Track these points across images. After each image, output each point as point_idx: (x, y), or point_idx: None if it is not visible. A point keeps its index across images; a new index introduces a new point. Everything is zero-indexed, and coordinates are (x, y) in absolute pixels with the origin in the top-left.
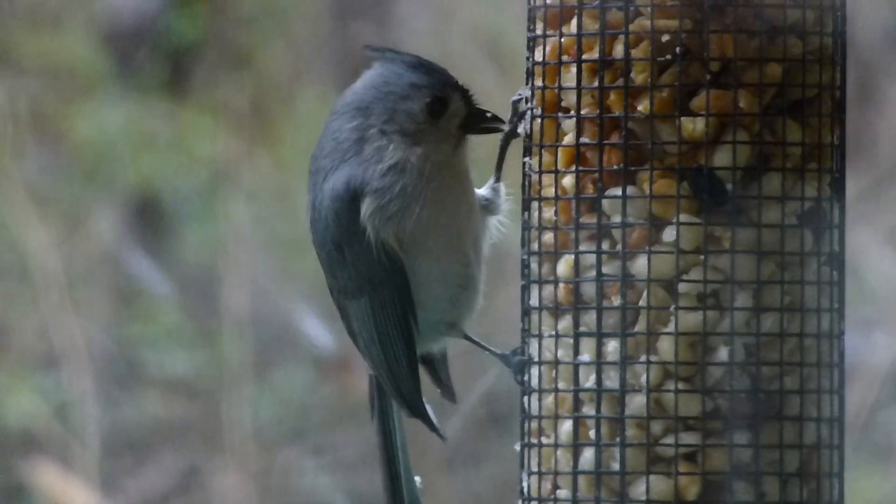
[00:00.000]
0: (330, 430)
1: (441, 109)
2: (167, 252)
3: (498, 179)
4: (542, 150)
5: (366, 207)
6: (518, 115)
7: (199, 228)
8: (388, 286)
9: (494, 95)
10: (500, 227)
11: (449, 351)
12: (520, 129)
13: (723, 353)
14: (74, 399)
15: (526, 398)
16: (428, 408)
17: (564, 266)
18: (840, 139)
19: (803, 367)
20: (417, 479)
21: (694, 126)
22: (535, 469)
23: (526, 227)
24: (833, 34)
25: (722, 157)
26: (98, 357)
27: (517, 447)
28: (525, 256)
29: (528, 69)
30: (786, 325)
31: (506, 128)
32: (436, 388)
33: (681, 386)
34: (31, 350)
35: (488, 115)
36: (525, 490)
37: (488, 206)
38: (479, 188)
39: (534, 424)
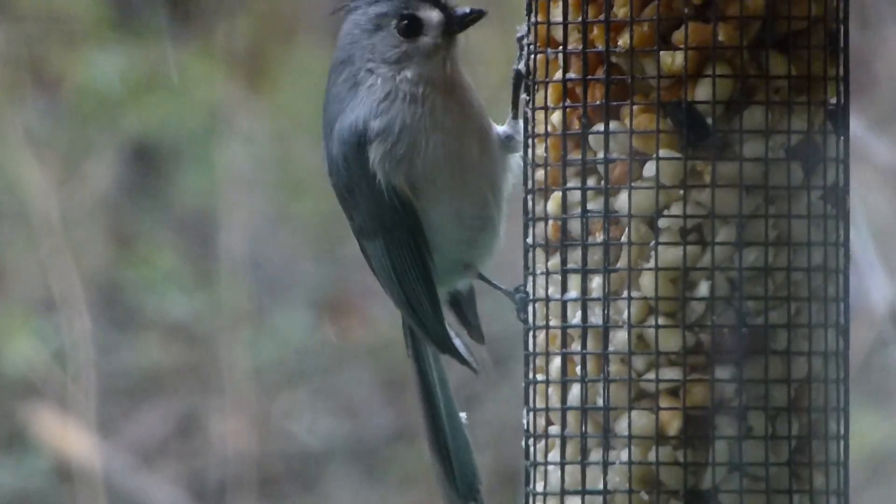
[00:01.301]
0: (329, 373)
1: (415, 26)
2: (165, 196)
3: (515, 117)
4: (536, 86)
5: (374, 153)
6: (523, 50)
7: (197, 172)
8: (401, 229)
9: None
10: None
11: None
12: (520, 66)
13: (704, 288)
14: (72, 343)
15: (527, 336)
16: (457, 342)
17: (553, 203)
18: (842, 71)
19: (792, 302)
20: (463, 415)
21: (673, 60)
22: (533, 406)
23: (525, 164)
24: None
25: (702, 92)
26: (96, 301)
27: (522, 384)
28: (525, 195)
29: (527, 3)
30: (772, 259)
31: (479, 11)
32: (463, 328)
33: (662, 321)
34: (29, 294)
35: (467, 10)
36: (525, 426)
37: (508, 144)
38: (499, 125)
39: (532, 362)
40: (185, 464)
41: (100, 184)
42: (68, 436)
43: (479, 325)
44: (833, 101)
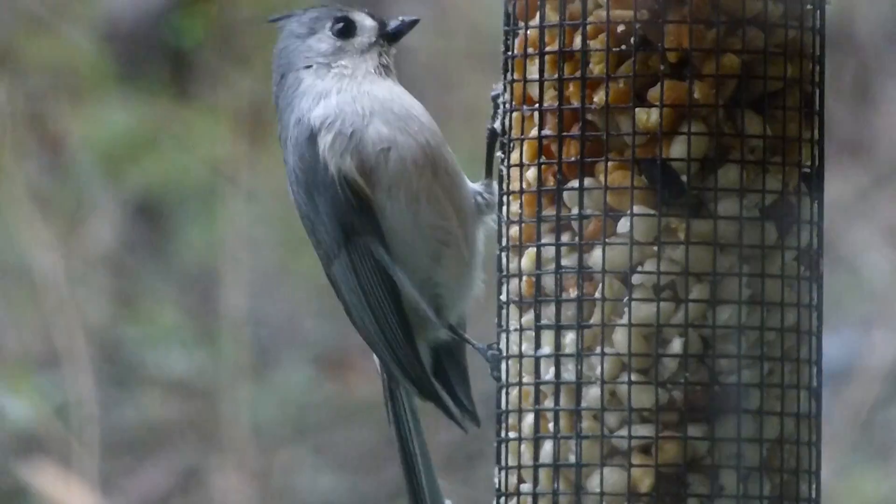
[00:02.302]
0: (330, 430)
1: (350, 28)
2: (167, 252)
3: (489, 175)
4: (511, 144)
5: (323, 140)
6: (499, 108)
7: (199, 229)
8: (361, 233)
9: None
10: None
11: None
12: (496, 125)
13: (676, 345)
14: (74, 399)
15: (500, 393)
16: (443, 393)
17: (527, 259)
18: (814, 134)
19: (765, 361)
20: (448, 502)
21: (648, 117)
22: (504, 464)
23: (499, 221)
24: (804, 29)
25: (677, 149)
26: (98, 357)
27: (494, 443)
28: (498, 252)
29: (504, 63)
30: (745, 318)
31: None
32: (456, 408)
33: (635, 378)
34: (32, 350)
35: (399, 20)
36: (496, 485)
37: (481, 204)
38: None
39: (506, 420)
40: None
41: (102, 240)
42: (70, 492)
43: (474, 405)
44: (808, 163)
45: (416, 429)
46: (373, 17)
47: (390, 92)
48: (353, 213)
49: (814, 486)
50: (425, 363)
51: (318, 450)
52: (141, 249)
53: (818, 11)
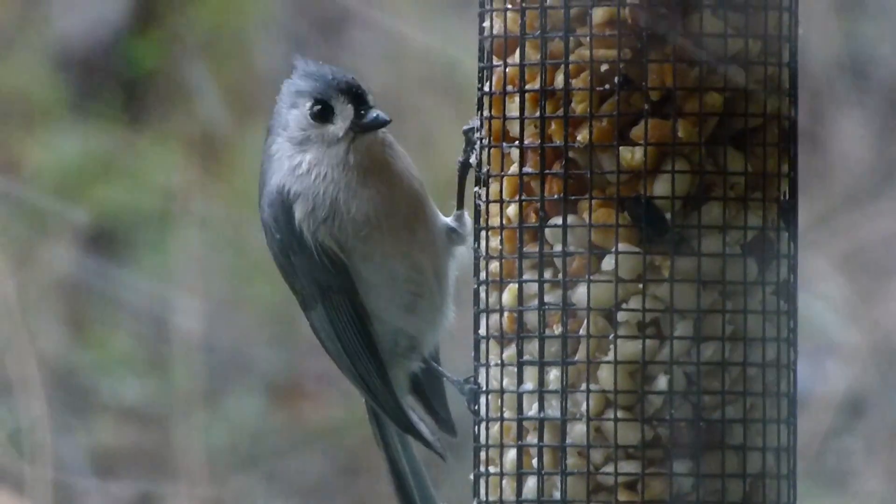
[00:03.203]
0: (282, 457)
1: (326, 113)
2: (120, 279)
3: (460, 207)
4: (490, 180)
5: (298, 212)
6: (470, 145)
7: (152, 256)
8: (336, 291)
9: (446, 121)
10: (467, 256)
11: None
12: (471, 160)
13: (662, 382)
14: (27, 426)
15: (477, 427)
16: (421, 425)
17: (508, 295)
18: (791, 169)
19: (747, 397)
20: None
21: (632, 155)
22: (484, 498)
23: (477, 255)
24: (782, 64)
25: (661, 187)
26: (50, 383)
27: (471, 476)
28: (475, 286)
29: (479, 99)
30: (728, 354)
31: (385, 119)
32: (431, 419)
33: (621, 414)
34: None
35: (374, 114)
36: None
37: (454, 236)
38: (446, 216)
39: (484, 453)
40: None
41: (55, 267)
42: None
43: (450, 416)
44: (784, 198)
45: (403, 447)
46: (355, 101)
47: (364, 184)
48: (328, 273)
49: None
50: (402, 391)
51: (270, 477)
52: (93, 276)
53: (789, 46)
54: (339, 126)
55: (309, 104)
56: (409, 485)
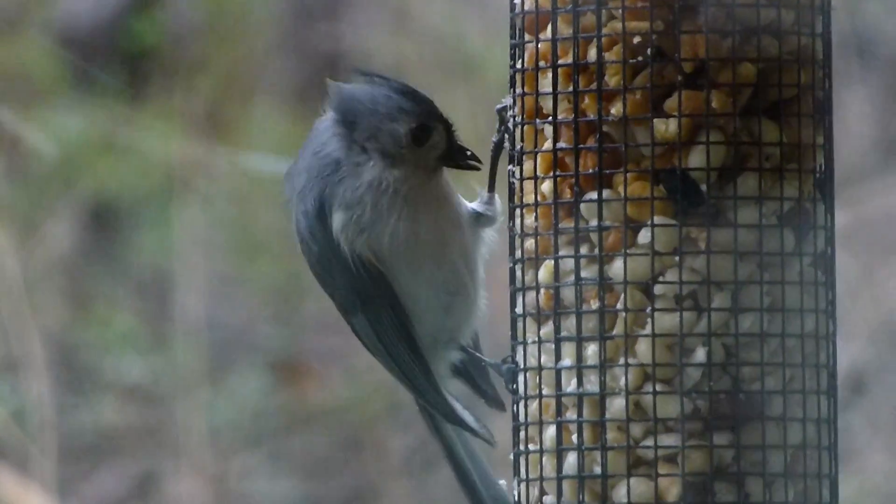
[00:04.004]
0: (286, 435)
1: (424, 138)
2: (122, 257)
3: (491, 189)
4: (524, 157)
5: (337, 221)
6: (503, 125)
7: (154, 233)
8: (376, 298)
9: (451, 101)
10: (496, 238)
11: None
12: (500, 138)
13: (700, 355)
14: (31, 404)
15: (516, 405)
16: (466, 414)
17: (544, 271)
18: (826, 140)
19: (786, 368)
20: (502, 482)
21: (667, 127)
22: (524, 476)
23: (511, 234)
24: (815, 35)
25: (696, 158)
26: (53, 362)
27: (511, 455)
28: (511, 264)
29: (511, 76)
30: (766, 325)
31: (474, 163)
32: (479, 398)
33: (659, 388)
34: None
35: (468, 153)
36: (516, 497)
37: (482, 219)
38: (472, 202)
39: (523, 432)
40: None
41: (57, 245)
42: (26, 496)
43: (496, 392)
44: (820, 169)
45: (458, 434)
46: (449, 131)
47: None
48: (367, 283)
49: (827, 491)
50: (445, 381)
51: (273, 455)
52: (96, 254)
53: (822, 17)
54: (431, 154)
55: (413, 125)
56: (468, 468)
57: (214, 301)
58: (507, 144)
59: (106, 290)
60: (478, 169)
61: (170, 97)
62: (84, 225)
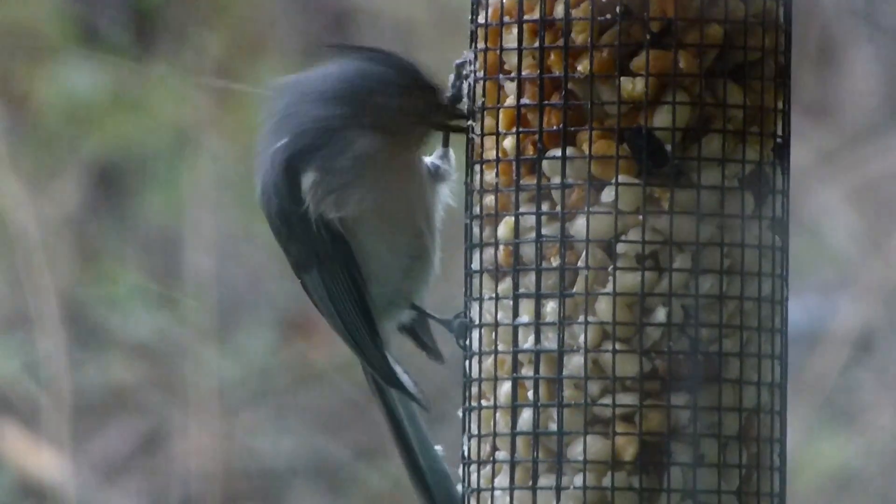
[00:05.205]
0: (292, 392)
1: (412, 106)
2: (130, 214)
3: (446, 145)
4: (485, 113)
5: (306, 181)
6: (461, 78)
7: (163, 190)
8: (334, 259)
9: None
10: (451, 194)
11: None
12: (460, 93)
13: (660, 314)
14: (42, 359)
15: (467, 362)
16: (405, 377)
17: (504, 228)
18: (785, 105)
19: (743, 331)
20: (439, 447)
21: (633, 86)
22: (475, 432)
23: (469, 190)
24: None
25: (661, 118)
26: (62, 318)
27: (459, 412)
28: (468, 220)
29: (471, 32)
30: (725, 287)
31: (471, 125)
32: (421, 351)
33: (618, 346)
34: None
35: (457, 113)
36: (465, 453)
37: (438, 173)
38: (428, 156)
39: (475, 388)
40: (150, 480)
41: (66, 201)
42: (34, 451)
43: (436, 345)
44: (779, 134)
45: (406, 411)
46: (436, 93)
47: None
48: (327, 244)
49: (777, 454)
50: (389, 341)
51: (280, 412)
52: (104, 210)
53: None
54: (421, 120)
55: (400, 95)
56: (407, 430)
57: (222, 258)
58: (465, 99)
59: (114, 247)
60: (464, 129)
61: (178, 54)
62: (92, 181)
